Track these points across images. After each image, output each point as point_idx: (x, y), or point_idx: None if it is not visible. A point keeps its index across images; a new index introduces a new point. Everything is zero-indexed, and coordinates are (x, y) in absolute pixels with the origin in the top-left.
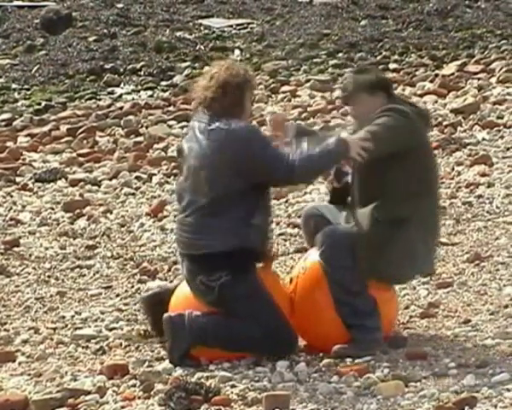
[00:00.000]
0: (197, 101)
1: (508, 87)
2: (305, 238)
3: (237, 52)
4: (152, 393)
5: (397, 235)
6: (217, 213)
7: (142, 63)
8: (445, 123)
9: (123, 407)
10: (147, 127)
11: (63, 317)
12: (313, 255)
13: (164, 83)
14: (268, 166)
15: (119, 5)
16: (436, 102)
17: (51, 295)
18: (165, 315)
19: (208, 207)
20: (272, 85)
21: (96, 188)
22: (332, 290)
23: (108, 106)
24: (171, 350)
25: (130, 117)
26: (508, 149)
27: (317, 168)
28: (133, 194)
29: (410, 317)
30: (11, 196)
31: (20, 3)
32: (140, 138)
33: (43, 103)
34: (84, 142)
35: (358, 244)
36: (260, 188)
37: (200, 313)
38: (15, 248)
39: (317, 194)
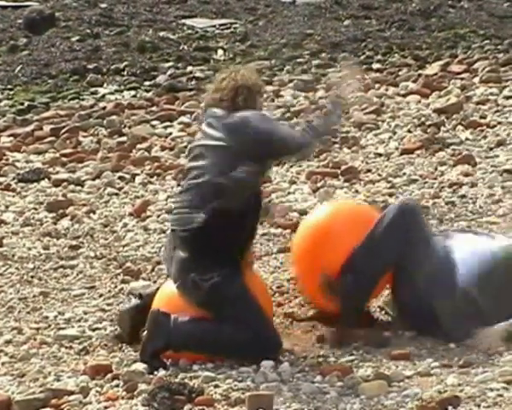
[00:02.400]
0: (210, 102)
1: (491, 87)
2: None
3: (220, 52)
4: (135, 393)
5: None
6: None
7: (125, 63)
8: (428, 123)
9: (106, 408)
10: (130, 127)
11: (46, 317)
12: None
13: (147, 83)
14: (281, 144)
15: (103, 5)
16: (419, 102)
17: (34, 296)
18: (154, 309)
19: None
20: None
21: (79, 188)
22: None
23: (91, 106)
24: (146, 345)
25: (114, 117)
26: (491, 148)
27: (323, 135)
28: (116, 194)
29: (394, 317)
30: None
31: (3, 3)
32: (123, 138)
33: (26, 103)
34: (68, 142)
35: None
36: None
37: (187, 319)
38: None
39: (300, 194)
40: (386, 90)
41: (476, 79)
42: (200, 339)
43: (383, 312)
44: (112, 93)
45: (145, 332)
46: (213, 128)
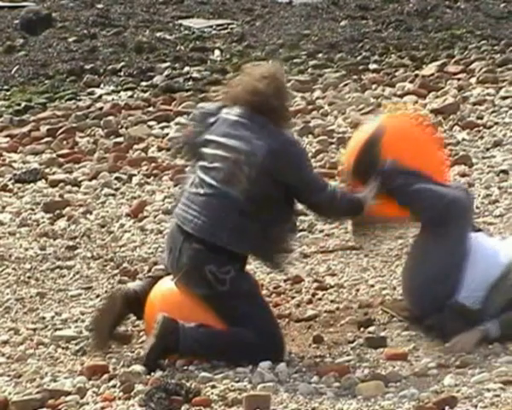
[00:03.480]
0: (235, 97)
1: (487, 88)
2: None
3: (217, 52)
4: (132, 394)
5: None
6: (247, 214)
7: (122, 64)
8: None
9: (103, 408)
10: (127, 128)
11: (43, 318)
12: None
13: (144, 83)
14: (307, 186)
15: (99, 6)
16: (416, 102)
17: (31, 296)
18: (162, 315)
19: (242, 205)
20: None
21: (75, 189)
22: None
23: (88, 106)
24: (153, 351)
25: (110, 118)
26: (487, 149)
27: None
28: (113, 194)
29: (392, 316)
30: None
31: (0, 4)
32: (120, 139)
33: (23, 104)
34: (64, 142)
35: None
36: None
37: (194, 325)
38: None
39: None
40: (383, 90)
41: (473, 80)
42: (209, 345)
43: (380, 312)
44: (109, 94)
45: (151, 338)
46: (247, 130)
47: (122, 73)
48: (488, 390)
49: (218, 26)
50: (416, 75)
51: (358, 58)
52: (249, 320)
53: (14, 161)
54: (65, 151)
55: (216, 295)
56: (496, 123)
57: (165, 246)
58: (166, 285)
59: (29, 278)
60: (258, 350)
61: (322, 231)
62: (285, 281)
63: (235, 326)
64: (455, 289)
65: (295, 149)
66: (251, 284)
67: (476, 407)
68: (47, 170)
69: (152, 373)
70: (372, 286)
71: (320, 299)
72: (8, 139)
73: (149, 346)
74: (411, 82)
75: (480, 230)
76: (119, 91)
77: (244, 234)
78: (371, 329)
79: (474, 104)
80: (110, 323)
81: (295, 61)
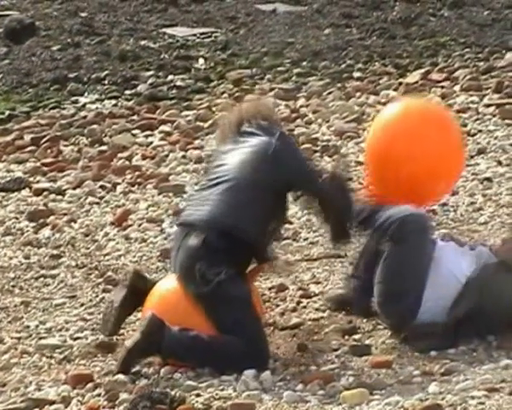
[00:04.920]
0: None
1: (471, 95)
2: None
3: (201, 61)
4: (117, 402)
5: None
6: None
7: (105, 72)
8: None
9: None
10: (111, 136)
11: (27, 326)
12: None
13: (128, 92)
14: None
15: (83, 14)
16: None
17: (15, 305)
18: (149, 313)
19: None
20: (236, 94)
21: (60, 197)
22: None
23: (72, 115)
24: (136, 345)
25: (94, 126)
26: (472, 156)
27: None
28: (97, 203)
29: (376, 324)
30: None
31: None
32: (104, 147)
33: (7, 113)
34: (48, 151)
35: None
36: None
37: (181, 328)
38: None
39: None
40: (367, 98)
41: (457, 88)
42: (193, 350)
43: (364, 320)
44: (93, 102)
45: (136, 334)
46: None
47: (106, 82)
48: (472, 398)
49: (202, 34)
50: (400, 83)
51: (342, 66)
52: (237, 327)
53: None
54: (49, 160)
55: (202, 296)
56: (480, 131)
57: (171, 250)
58: (165, 286)
59: (13, 286)
60: (243, 359)
61: (306, 239)
62: (269, 289)
63: (224, 331)
64: (417, 304)
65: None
66: (242, 291)
67: None
68: (31, 179)
69: (137, 382)
70: None
71: (304, 307)
72: None
73: (133, 341)
74: (395, 90)
75: (449, 239)
76: (103, 100)
77: (252, 220)
78: (356, 337)
79: (458, 112)
80: (120, 301)
81: (279, 69)
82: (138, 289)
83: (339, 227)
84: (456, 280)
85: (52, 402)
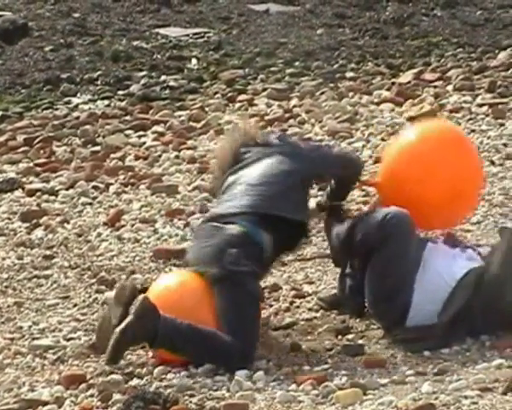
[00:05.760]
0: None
1: (464, 95)
2: None
3: (194, 61)
4: (110, 403)
5: None
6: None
7: (98, 73)
8: (401, 131)
9: None
10: (104, 137)
11: (20, 327)
12: None
13: (121, 92)
14: None
15: (76, 15)
16: (393, 110)
17: (8, 306)
18: (140, 296)
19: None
20: (229, 94)
21: (53, 198)
22: None
23: (65, 116)
24: (129, 327)
25: (87, 127)
26: None
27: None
28: (90, 203)
29: (369, 324)
30: None
31: None
32: (97, 148)
33: (0, 113)
34: (41, 152)
35: None
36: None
37: (172, 317)
38: None
39: None
40: (360, 98)
41: (450, 87)
42: (188, 337)
43: (358, 320)
44: (85, 103)
45: (129, 316)
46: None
47: (99, 82)
48: (466, 398)
49: (195, 34)
50: (393, 83)
51: (335, 66)
52: (238, 320)
53: None
54: (42, 160)
55: (221, 278)
56: (472, 130)
57: (193, 249)
58: (163, 282)
59: (6, 287)
60: (231, 352)
61: None
62: (263, 289)
63: (224, 319)
64: (406, 307)
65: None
66: (257, 290)
67: None
68: (24, 179)
69: (130, 382)
70: None
71: (298, 307)
72: None
73: (126, 323)
74: (388, 90)
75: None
76: (95, 100)
77: (299, 204)
78: (349, 337)
79: (451, 112)
80: (118, 318)
81: (272, 69)
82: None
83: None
84: (446, 284)
85: (45, 403)
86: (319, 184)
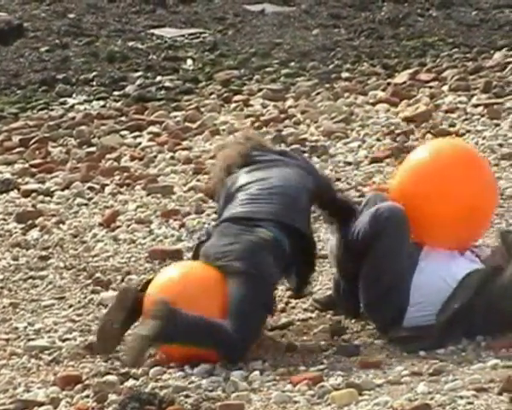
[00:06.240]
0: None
1: (459, 95)
2: None
3: (190, 62)
4: (106, 403)
5: None
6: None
7: (94, 73)
8: (397, 131)
9: None
10: (99, 137)
11: (16, 328)
12: None
13: (116, 93)
14: None
15: (71, 15)
16: (388, 110)
17: (4, 307)
18: (161, 298)
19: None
20: (225, 95)
21: (48, 199)
22: None
23: (61, 116)
24: (153, 335)
25: (83, 127)
26: None
27: None
28: (86, 204)
29: (364, 325)
30: None
31: None
32: (92, 149)
33: None
34: (37, 152)
35: None
36: None
37: (188, 312)
38: None
39: None
40: (356, 98)
41: (445, 88)
42: (207, 329)
43: (353, 321)
44: (81, 103)
45: (151, 321)
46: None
47: (94, 83)
48: (461, 398)
49: (191, 35)
50: (389, 83)
51: (331, 66)
52: (247, 316)
53: None
54: (37, 161)
55: (246, 274)
56: (468, 131)
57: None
58: (166, 274)
59: (2, 288)
60: (223, 344)
61: None
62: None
63: (234, 311)
64: (403, 305)
65: None
66: (271, 298)
67: None
68: (19, 180)
69: (123, 381)
70: None
71: (293, 307)
72: None
73: (152, 328)
74: (383, 90)
75: None
76: (91, 101)
77: (306, 222)
78: (345, 337)
79: (447, 112)
80: (121, 322)
81: (267, 69)
82: (138, 309)
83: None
84: (448, 285)
85: (41, 404)
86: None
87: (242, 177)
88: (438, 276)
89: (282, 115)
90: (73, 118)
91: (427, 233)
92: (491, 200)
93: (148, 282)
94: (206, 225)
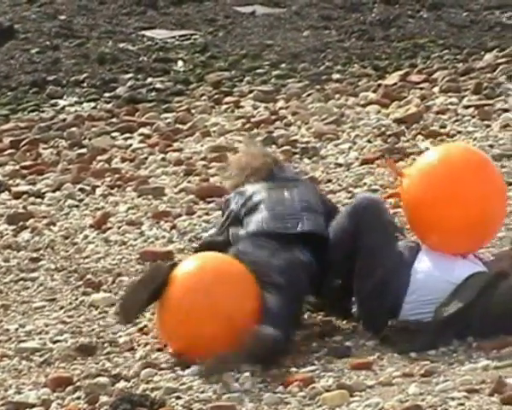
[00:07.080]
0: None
1: (450, 97)
2: None
3: (180, 63)
4: (97, 405)
5: None
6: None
7: (84, 75)
8: (388, 133)
9: None
10: (90, 139)
11: (7, 330)
12: None
13: (107, 94)
14: None
15: (62, 17)
16: (379, 112)
17: None
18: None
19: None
20: (215, 96)
21: (39, 200)
22: None
23: (51, 118)
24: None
25: (74, 129)
26: None
27: None
28: (77, 206)
29: (356, 326)
30: None
31: None
32: (83, 150)
33: None
34: (28, 154)
35: None
36: None
37: None
38: None
39: None
40: (346, 100)
41: (436, 89)
42: None
43: (344, 322)
44: (72, 105)
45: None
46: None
47: (85, 85)
48: (453, 399)
49: (181, 36)
50: (379, 85)
51: (321, 68)
52: (283, 326)
53: None
54: (28, 163)
55: (280, 287)
56: (459, 132)
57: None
58: (186, 268)
59: None
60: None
61: None
62: None
63: (267, 313)
64: (398, 300)
65: None
66: (301, 312)
67: None
68: (10, 182)
69: (114, 383)
70: None
71: None
72: None
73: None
74: (374, 91)
75: None
76: (82, 102)
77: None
78: (336, 338)
79: (437, 113)
80: (148, 295)
81: (258, 71)
82: (165, 287)
83: None
84: (450, 284)
85: (32, 405)
86: None
87: (267, 192)
88: (438, 277)
89: (273, 117)
90: (64, 119)
91: (438, 237)
92: (502, 205)
93: (174, 265)
94: (197, 227)
